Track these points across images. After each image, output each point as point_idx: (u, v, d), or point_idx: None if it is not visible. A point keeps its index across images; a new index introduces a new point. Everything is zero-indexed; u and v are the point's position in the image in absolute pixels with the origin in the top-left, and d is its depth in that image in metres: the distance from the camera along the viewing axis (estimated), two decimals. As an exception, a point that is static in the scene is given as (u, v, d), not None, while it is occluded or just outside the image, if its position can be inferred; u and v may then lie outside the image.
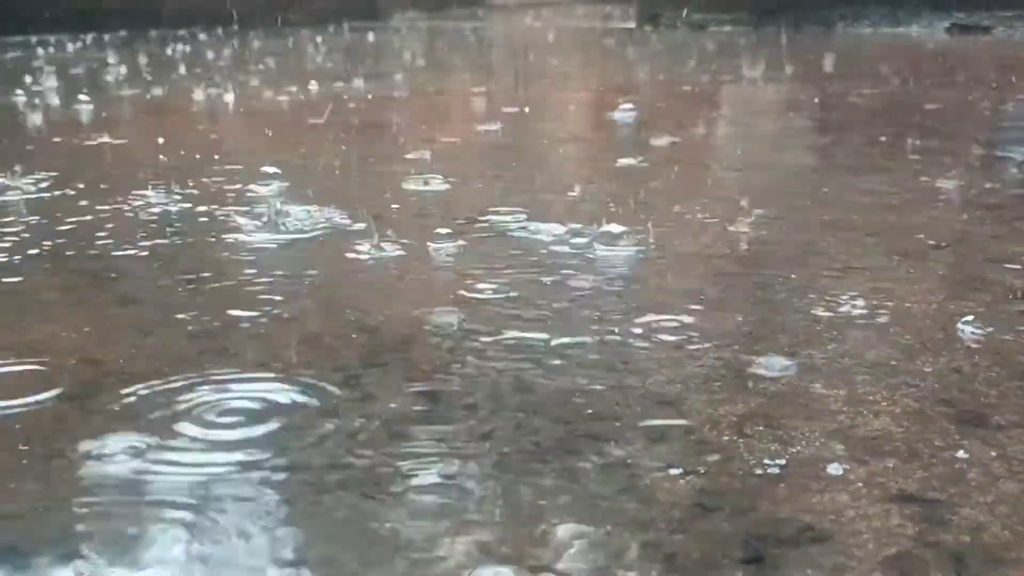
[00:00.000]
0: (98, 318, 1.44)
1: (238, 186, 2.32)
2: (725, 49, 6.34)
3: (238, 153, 2.93)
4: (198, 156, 2.81)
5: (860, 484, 0.92)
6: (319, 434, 1.04)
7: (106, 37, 8.59)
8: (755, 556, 0.82)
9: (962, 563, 0.80)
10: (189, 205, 2.14)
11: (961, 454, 0.98)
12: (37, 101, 4.24)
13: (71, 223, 1.99)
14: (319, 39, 8.38)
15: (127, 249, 1.80)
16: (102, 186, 2.36)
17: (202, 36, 8.91)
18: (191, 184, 2.34)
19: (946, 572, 0.78)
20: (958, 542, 0.83)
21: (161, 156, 2.78)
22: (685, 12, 8.57)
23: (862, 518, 0.87)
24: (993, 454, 0.97)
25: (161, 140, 3.05)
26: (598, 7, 13.44)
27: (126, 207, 2.13)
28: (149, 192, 2.24)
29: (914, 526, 0.85)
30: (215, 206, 2.12)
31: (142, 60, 6.40)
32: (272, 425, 1.06)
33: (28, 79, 4.95)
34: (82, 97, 4.07)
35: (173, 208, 2.11)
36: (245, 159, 2.69)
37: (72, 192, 2.30)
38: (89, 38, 8.35)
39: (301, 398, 1.13)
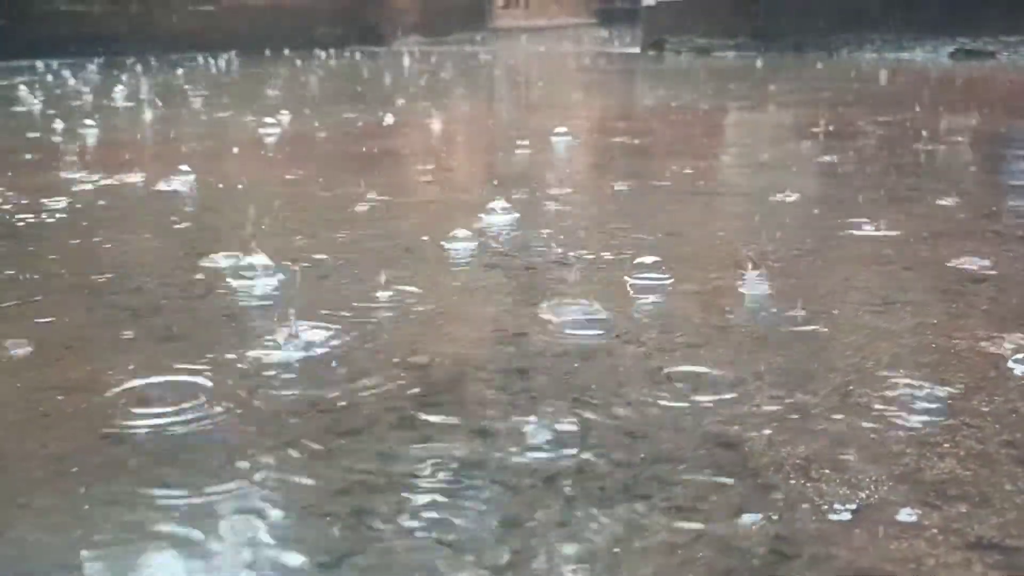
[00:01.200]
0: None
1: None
2: (733, 75, 6.36)
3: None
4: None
5: (935, 530, 0.91)
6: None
7: (91, 63, 8.60)
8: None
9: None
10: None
11: (1037, 496, 0.97)
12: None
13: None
14: (322, 64, 8.40)
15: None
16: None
17: (193, 62, 8.93)
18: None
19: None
20: (1059, 591, 0.82)
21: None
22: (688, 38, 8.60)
23: (943, 567, 0.86)
24: (1066, 497, 0.97)
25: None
26: (601, 31, 13.49)
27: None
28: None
29: (997, 574, 0.84)
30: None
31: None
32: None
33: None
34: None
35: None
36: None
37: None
38: (91, 62, 8.36)
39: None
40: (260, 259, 1.74)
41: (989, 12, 7.29)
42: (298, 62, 8.48)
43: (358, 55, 9.46)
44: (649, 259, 1.74)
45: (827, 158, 3.11)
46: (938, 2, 7.61)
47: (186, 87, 6.26)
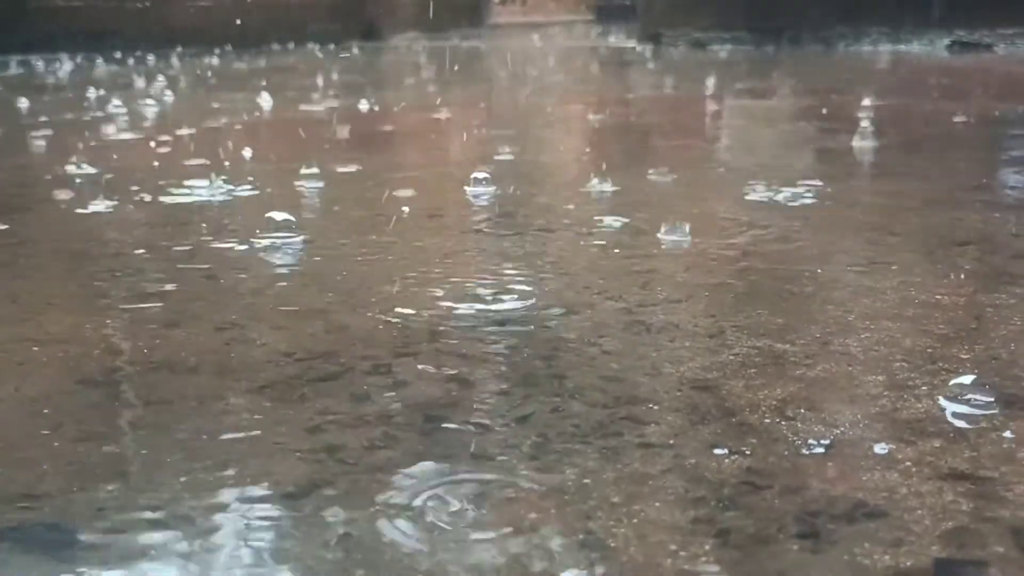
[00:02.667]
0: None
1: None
2: (730, 66, 6.35)
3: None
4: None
5: (909, 463, 0.91)
6: (355, 417, 1.03)
7: (94, 58, 8.59)
8: (810, 531, 0.80)
9: (1022, 536, 0.78)
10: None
11: (1008, 434, 0.96)
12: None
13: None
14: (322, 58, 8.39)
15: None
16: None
17: (189, 57, 8.91)
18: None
19: (1007, 546, 0.77)
20: (1015, 517, 0.81)
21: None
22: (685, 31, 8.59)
23: (915, 495, 0.85)
24: (1042, 434, 0.96)
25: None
26: (594, 27, 13.48)
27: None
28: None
29: (969, 502, 0.84)
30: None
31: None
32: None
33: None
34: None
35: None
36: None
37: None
38: (99, 56, 8.34)
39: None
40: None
41: (986, 4, 7.27)
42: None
43: (356, 50, 9.45)
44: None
45: (822, 139, 3.11)
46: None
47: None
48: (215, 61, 7.51)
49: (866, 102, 3.63)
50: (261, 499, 0.87)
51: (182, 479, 0.90)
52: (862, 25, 7.96)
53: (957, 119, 3.34)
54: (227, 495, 0.87)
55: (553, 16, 15.75)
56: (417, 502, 0.85)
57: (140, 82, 5.21)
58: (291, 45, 9.92)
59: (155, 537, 0.80)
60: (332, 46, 10.40)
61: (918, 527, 0.80)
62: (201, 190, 2.30)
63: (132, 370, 1.19)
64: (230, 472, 0.92)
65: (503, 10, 15.79)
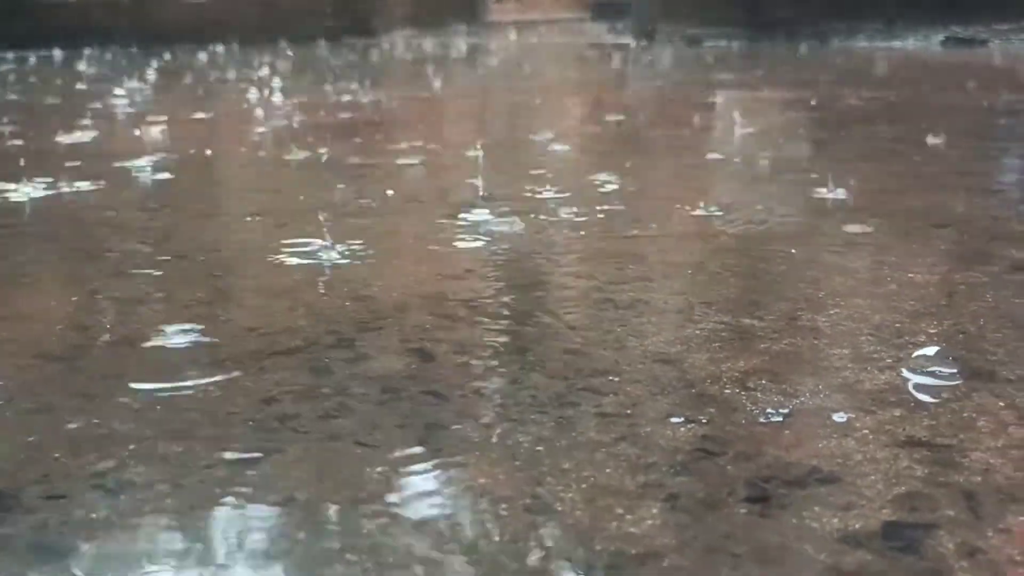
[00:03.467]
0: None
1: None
2: (723, 61, 6.34)
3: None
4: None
5: (867, 431, 0.90)
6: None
7: (83, 52, 8.57)
8: (761, 495, 0.79)
9: (974, 500, 0.77)
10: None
11: (970, 404, 0.95)
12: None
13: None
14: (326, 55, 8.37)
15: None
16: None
17: (184, 53, 8.90)
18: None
19: (957, 509, 0.76)
20: (969, 482, 0.80)
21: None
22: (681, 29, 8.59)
23: (870, 461, 0.84)
24: (1002, 404, 0.95)
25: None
26: (590, 24, 13.47)
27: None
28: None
29: (923, 468, 0.83)
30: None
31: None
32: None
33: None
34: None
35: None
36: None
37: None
38: (88, 52, 8.33)
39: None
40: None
41: (981, 0, 7.27)
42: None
43: (353, 46, 9.43)
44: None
45: (814, 129, 3.10)
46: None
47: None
48: (205, 59, 7.49)
49: (856, 93, 3.62)
50: (208, 465, 0.86)
51: (131, 447, 0.89)
52: (857, 21, 7.95)
53: (947, 109, 3.33)
54: (173, 461, 0.86)
55: (549, 13, 15.73)
56: (367, 470, 0.84)
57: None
58: (282, 44, 9.89)
59: (98, 501, 0.79)
60: (324, 42, 10.38)
61: (870, 492, 0.79)
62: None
63: (93, 345, 1.18)
64: (179, 440, 0.90)
65: (499, 8, 15.77)
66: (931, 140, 2.56)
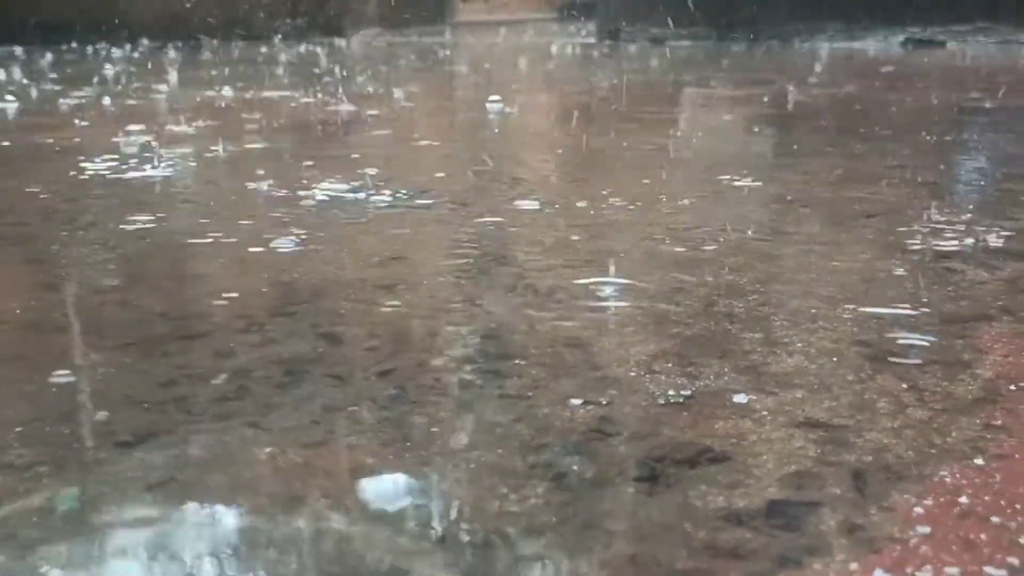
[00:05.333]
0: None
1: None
2: (684, 61, 6.35)
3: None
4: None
5: (766, 412, 0.89)
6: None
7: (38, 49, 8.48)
8: (650, 475, 0.78)
9: (861, 479, 0.77)
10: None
11: (872, 386, 0.95)
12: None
13: None
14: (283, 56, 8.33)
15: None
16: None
17: (153, 49, 8.83)
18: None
19: (844, 488, 0.75)
20: (860, 461, 0.80)
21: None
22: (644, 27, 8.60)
23: (764, 442, 0.83)
24: (904, 386, 0.95)
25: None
26: (558, 25, 13.49)
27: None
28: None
29: (816, 448, 0.82)
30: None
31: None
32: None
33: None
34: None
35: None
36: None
37: None
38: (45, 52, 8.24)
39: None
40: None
41: (939, 2, 7.31)
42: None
43: (319, 47, 9.38)
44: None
45: (759, 123, 3.10)
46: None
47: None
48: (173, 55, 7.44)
49: (809, 92, 3.63)
50: (94, 447, 0.84)
51: (17, 429, 0.87)
52: (818, 22, 7.99)
53: (896, 105, 3.35)
54: (57, 443, 0.84)
55: (517, 14, 15.73)
56: (254, 450, 0.83)
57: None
58: (241, 43, 9.83)
59: (-29, 482, 0.78)
60: (292, 41, 10.34)
61: (759, 471, 0.78)
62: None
63: (-2, 330, 1.16)
64: (66, 423, 0.88)
65: (467, 8, 15.76)
66: (875, 134, 2.57)
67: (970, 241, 1.49)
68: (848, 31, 7.78)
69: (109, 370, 1.01)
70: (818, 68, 5.24)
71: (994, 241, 1.49)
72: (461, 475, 0.78)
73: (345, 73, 5.33)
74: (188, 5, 10.23)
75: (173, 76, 4.85)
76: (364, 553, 0.67)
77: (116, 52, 7.25)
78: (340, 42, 9.79)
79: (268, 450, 0.83)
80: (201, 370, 1.01)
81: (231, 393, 0.95)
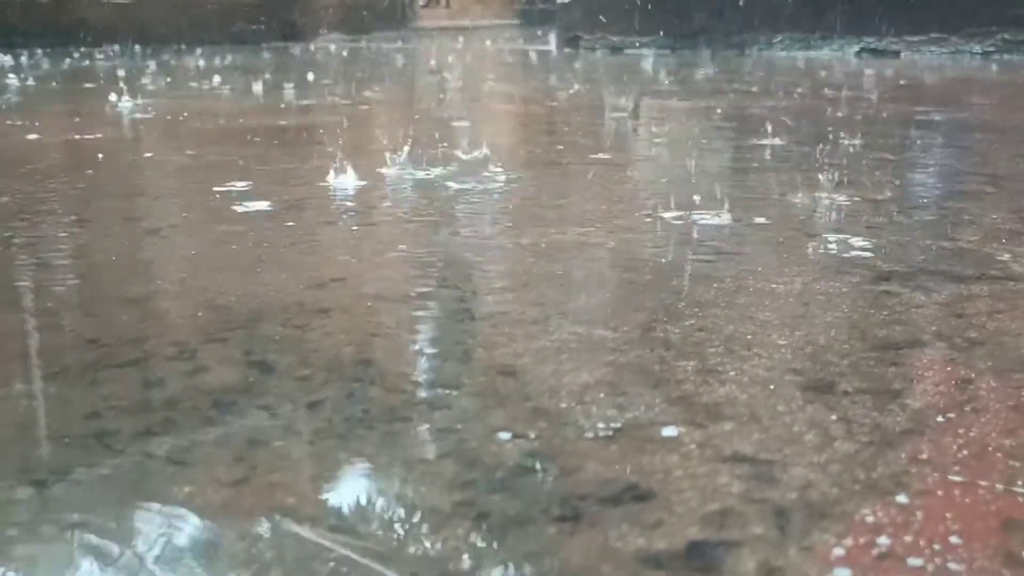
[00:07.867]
0: None
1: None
2: (642, 69, 6.38)
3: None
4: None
5: (693, 446, 0.89)
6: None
7: (16, 55, 8.38)
8: (572, 514, 0.78)
9: (783, 517, 0.76)
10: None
11: (802, 417, 0.95)
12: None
13: None
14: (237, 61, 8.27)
15: None
16: None
17: (109, 55, 8.75)
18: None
19: (767, 526, 0.75)
20: (783, 498, 0.79)
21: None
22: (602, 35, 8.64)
23: (689, 477, 0.83)
24: (834, 417, 0.95)
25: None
26: (519, 31, 13.50)
27: None
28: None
29: (741, 484, 0.82)
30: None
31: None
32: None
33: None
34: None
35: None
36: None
37: None
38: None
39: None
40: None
41: (894, 13, 7.39)
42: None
43: (291, 51, 9.34)
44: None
45: (708, 135, 3.12)
46: (845, 3, 7.70)
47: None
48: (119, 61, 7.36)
49: (760, 103, 3.65)
50: (5, 488, 0.82)
51: (-69, 466, 0.85)
52: (774, 32, 8.05)
53: (846, 117, 3.38)
54: (-29, 482, 0.83)
55: (478, 20, 15.75)
56: (174, 488, 0.81)
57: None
58: (200, 49, 9.76)
59: None
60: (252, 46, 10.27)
61: (682, 509, 0.78)
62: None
63: (-78, 357, 1.14)
64: (-17, 458, 0.87)
65: (428, 13, 15.75)
66: (819, 148, 2.59)
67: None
68: (805, 41, 7.85)
69: (32, 403, 0.99)
70: (772, 78, 5.27)
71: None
72: (383, 516, 0.77)
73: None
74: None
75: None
76: (276, 601, 0.66)
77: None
78: (301, 47, 9.75)
79: (187, 490, 0.81)
80: (127, 401, 0.99)
81: (157, 427, 0.93)
